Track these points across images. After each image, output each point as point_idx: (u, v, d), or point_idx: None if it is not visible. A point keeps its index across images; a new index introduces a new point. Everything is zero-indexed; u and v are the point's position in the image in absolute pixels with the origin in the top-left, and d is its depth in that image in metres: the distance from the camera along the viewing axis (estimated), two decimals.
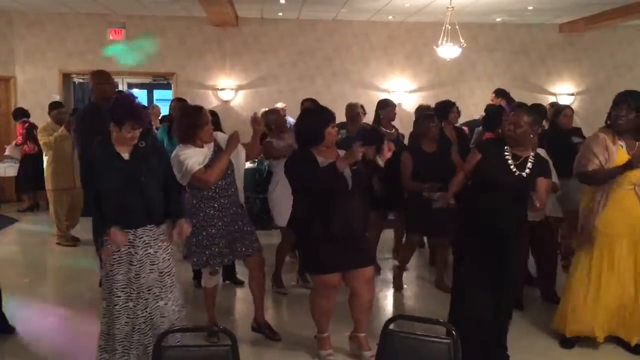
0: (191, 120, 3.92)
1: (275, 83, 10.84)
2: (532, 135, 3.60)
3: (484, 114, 6.46)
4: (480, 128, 6.59)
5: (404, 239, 5.81)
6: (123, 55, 10.27)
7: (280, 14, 10.29)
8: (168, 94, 11.09)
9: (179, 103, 6.57)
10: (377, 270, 5.83)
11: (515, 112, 3.75)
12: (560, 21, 10.85)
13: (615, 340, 4.12)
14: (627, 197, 3.87)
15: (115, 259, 3.36)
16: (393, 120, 6.11)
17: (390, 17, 10.53)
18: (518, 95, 8.15)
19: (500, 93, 7.81)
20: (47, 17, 10.35)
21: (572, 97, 11.06)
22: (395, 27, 10.94)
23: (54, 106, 7.47)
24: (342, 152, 3.79)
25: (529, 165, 3.61)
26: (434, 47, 9.09)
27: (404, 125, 7.80)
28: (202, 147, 3.95)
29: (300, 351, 4.05)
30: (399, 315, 3.52)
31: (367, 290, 3.85)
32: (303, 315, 4.30)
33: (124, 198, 3.31)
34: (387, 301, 5.32)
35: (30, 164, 8.71)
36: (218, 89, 10.75)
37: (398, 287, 5.45)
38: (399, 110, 7.40)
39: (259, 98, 10.74)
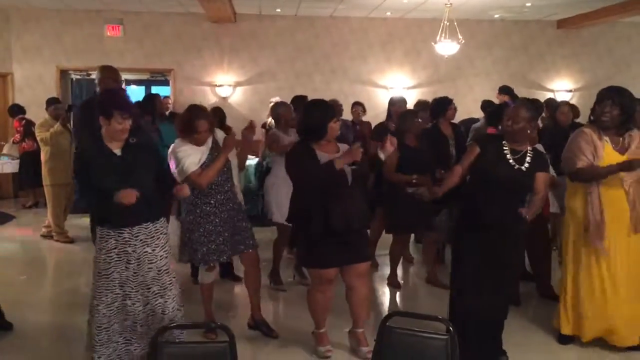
0: (191, 115, 3.91)
1: (273, 80, 10.82)
2: (529, 131, 3.59)
3: (482, 111, 6.52)
4: (478, 125, 6.62)
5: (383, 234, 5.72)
6: None
7: (278, 10, 10.27)
8: (166, 91, 11.05)
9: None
10: (375, 266, 5.84)
11: (514, 107, 3.74)
12: (558, 17, 10.84)
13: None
14: (616, 191, 3.83)
15: (112, 257, 3.34)
16: None
17: (388, 14, 10.51)
18: (516, 92, 8.14)
19: (503, 90, 7.87)
20: (44, 13, 10.32)
21: (570, 94, 11.06)
22: (393, 23, 10.93)
23: (51, 102, 7.47)
24: (342, 146, 3.80)
25: (528, 159, 3.60)
26: (432, 43, 9.09)
27: None
28: (200, 145, 3.95)
29: (298, 347, 4.05)
30: (396, 312, 3.53)
31: (363, 284, 3.86)
32: (301, 311, 4.29)
33: (115, 195, 3.21)
34: (384, 298, 5.32)
35: (30, 161, 8.68)
36: (216, 85, 10.73)
37: (394, 285, 5.45)
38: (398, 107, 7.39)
39: (257, 95, 10.73)
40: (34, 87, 10.32)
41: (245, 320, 4.39)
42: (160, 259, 3.42)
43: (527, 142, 3.66)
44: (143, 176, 3.34)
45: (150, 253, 3.38)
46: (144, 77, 13.32)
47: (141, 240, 3.36)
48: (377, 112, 9.29)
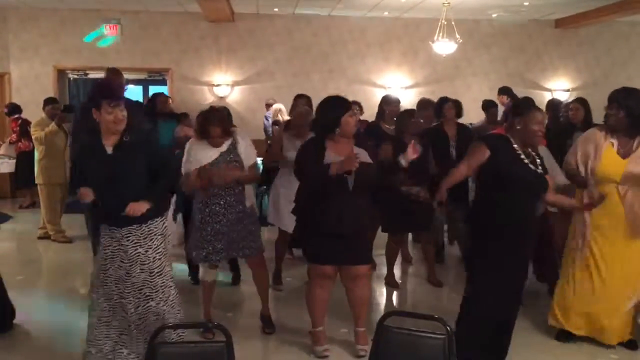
0: (205, 121, 3.94)
1: (271, 79, 10.81)
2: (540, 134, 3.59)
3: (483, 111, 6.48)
4: (478, 124, 6.62)
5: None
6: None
7: (276, 9, 10.26)
8: (163, 90, 11.02)
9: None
10: (373, 267, 5.82)
11: (540, 112, 3.63)
12: (556, 17, 10.85)
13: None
14: (611, 197, 3.81)
15: (107, 253, 3.34)
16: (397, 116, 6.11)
17: (386, 13, 10.51)
18: (514, 91, 8.15)
19: (503, 90, 7.88)
20: (41, 12, 10.31)
21: (568, 93, 11.06)
22: (391, 23, 10.92)
23: (48, 102, 7.45)
24: (358, 150, 3.72)
25: (539, 162, 3.59)
26: (430, 42, 9.09)
27: None
28: (216, 147, 3.96)
29: (295, 347, 4.03)
30: (394, 311, 3.51)
31: (359, 286, 3.85)
32: (299, 311, 4.29)
33: (104, 194, 3.21)
34: (382, 297, 5.31)
35: (26, 162, 8.65)
36: (214, 84, 10.72)
37: (392, 284, 5.44)
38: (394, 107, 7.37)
39: (255, 94, 10.72)
40: (32, 87, 10.31)
41: (243, 321, 4.42)
42: (153, 261, 3.37)
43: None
44: (131, 176, 3.26)
45: (142, 254, 3.33)
46: (142, 76, 13.31)
47: (133, 241, 3.32)
48: (374, 111, 9.13)
